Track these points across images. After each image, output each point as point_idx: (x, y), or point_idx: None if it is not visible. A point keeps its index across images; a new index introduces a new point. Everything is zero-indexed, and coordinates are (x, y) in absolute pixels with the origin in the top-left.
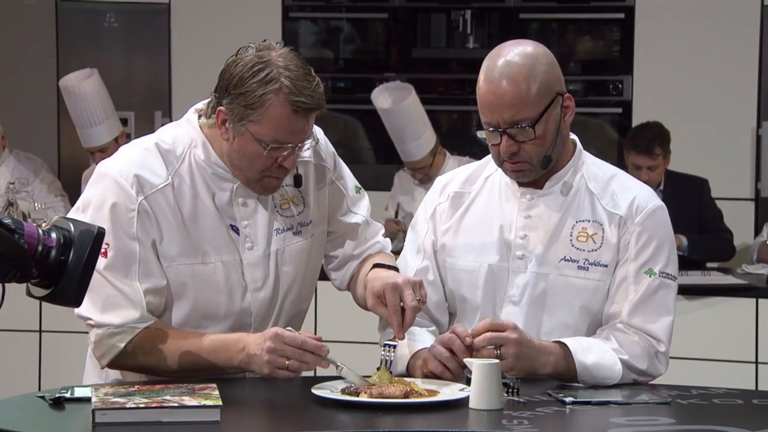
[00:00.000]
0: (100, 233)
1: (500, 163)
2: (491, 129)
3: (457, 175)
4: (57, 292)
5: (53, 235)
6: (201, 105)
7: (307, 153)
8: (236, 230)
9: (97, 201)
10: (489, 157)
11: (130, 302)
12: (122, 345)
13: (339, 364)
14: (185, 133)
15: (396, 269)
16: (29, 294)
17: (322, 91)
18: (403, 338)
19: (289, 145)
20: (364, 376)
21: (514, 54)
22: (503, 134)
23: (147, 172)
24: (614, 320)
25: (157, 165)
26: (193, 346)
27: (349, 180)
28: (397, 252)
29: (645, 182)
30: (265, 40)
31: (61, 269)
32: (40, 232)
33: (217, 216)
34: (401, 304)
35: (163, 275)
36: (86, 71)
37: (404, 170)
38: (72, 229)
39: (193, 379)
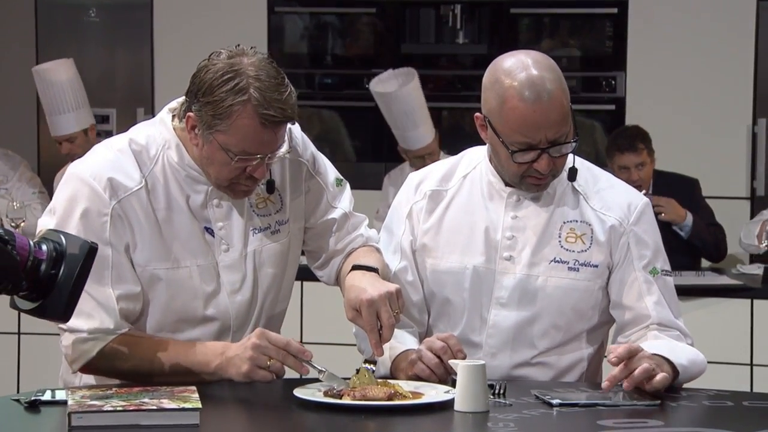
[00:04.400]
0: (93, 248)
1: (520, 179)
2: (526, 149)
3: (432, 172)
4: (45, 306)
5: (44, 247)
6: (175, 104)
7: (282, 150)
8: (211, 232)
9: (68, 204)
10: (463, 154)
11: (103, 309)
12: (95, 351)
13: (321, 368)
14: (159, 133)
15: (375, 270)
16: (13, 306)
17: (295, 101)
18: (381, 355)
19: (258, 156)
20: (344, 378)
21: (539, 67)
22: (544, 152)
23: (120, 174)
24: (642, 324)
25: (131, 167)
26: (169, 350)
27: (330, 174)
28: None
29: (635, 182)
30: (238, 45)
31: (51, 283)
32: (31, 244)
33: (191, 218)
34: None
35: (137, 281)
36: (62, 60)
37: (393, 171)
38: (63, 242)
39: (172, 381)
